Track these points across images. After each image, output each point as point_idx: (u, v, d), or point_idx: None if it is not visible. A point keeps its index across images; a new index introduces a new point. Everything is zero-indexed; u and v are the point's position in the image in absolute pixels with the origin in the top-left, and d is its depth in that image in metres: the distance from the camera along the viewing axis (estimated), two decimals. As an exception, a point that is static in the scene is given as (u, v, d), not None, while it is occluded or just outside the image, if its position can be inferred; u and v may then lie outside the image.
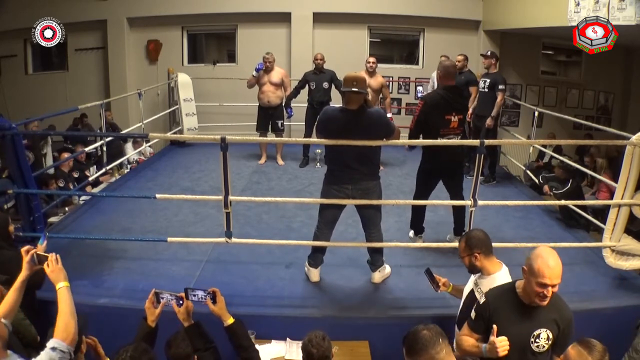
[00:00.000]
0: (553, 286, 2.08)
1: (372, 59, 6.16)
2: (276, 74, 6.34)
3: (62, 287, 2.06)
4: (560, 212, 4.89)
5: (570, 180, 5.40)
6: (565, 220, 4.76)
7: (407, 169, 6.43)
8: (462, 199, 3.89)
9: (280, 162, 6.60)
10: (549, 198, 5.50)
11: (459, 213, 4.05)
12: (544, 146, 7.26)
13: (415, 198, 4.05)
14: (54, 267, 2.11)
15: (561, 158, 6.02)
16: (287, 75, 6.59)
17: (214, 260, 3.80)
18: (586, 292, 3.41)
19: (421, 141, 3.89)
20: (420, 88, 5.56)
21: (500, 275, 2.47)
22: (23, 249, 2.27)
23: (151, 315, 2.38)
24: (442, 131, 3.80)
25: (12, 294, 2.16)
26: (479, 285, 2.47)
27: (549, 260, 2.07)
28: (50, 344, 1.85)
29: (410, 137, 3.88)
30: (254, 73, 6.29)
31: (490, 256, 2.52)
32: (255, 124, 6.55)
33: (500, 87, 5.67)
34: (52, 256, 2.14)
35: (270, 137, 6.52)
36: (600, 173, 6.12)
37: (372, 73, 6.06)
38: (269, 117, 6.47)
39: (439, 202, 4.33)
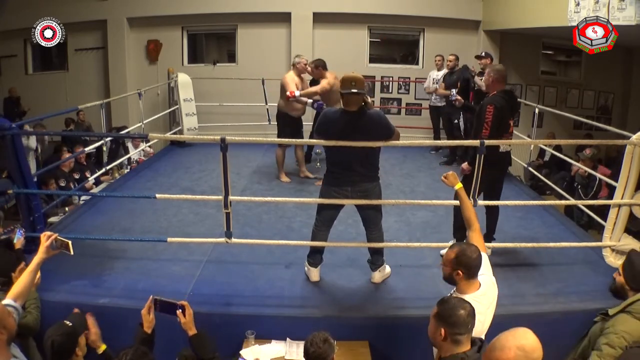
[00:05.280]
0: None
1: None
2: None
3: (35, 260, 2.31)
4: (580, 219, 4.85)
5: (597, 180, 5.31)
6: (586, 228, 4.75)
7: (407, 169, 6.44)
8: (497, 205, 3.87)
9: (307, 174, 5.90)
10: (549, 198, 5.50)
11: (494, 218, 3.94)
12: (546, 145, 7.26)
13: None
14: (43, 244, 2.33)
15: (562, 156, 6.01)
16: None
17: (214, 260, 3.80)
18: (586, 292, 3.41)
19: (415, 142, 3.86)
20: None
21: (472, 297, 2.29)
22: (43, 234, 2.38)
23: (147, 321, 2.39)
24: (504, 136, 3.73)
25: (25, 276, 2.24)
26: None
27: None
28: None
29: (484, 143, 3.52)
30: (308, 102, 5.34)
31: (470, 279, 2.33)
32: (278, 132, 5.67)
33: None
34: (68, 242, 2.38)
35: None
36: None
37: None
38: (300, 126, 5.74)
39: (440, 202, 4.33)
